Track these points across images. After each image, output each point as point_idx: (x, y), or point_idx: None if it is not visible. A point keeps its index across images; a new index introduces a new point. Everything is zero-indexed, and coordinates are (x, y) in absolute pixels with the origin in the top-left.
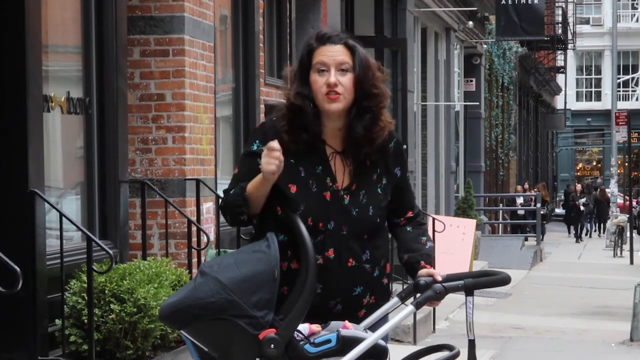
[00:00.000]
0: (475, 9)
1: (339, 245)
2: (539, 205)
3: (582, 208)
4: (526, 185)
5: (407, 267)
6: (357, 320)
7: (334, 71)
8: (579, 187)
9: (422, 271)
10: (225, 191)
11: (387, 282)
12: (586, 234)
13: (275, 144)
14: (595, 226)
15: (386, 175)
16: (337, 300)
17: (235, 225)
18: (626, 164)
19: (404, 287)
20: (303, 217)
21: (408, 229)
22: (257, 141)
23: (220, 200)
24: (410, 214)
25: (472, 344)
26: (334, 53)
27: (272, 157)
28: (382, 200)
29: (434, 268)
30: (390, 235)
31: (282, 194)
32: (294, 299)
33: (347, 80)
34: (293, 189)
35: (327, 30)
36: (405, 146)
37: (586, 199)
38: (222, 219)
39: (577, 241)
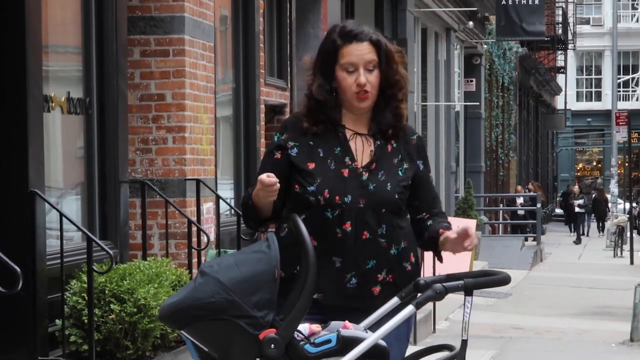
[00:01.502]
0: (475, 9)
1: (355, 218)
2: (539, 205)
3: (577, 209)
4: (530, 186)
5: (429, 243)
6: (372, 298)
7: (363, 70)
8: (576, 188)
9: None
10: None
11: (410, 269)
12: (583, 234)
13: (266, 179)
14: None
15: (408, 162)
16: (352, 273)
17: (250, 228)
18: (626, 164)
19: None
20: (319, 190)
21: (429, 222)
22: (278, 133)
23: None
24: (433, 210)
25: (464, 344)
26: (362, 52)
27: (268, 191)
28: (402, 180)
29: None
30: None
31: (300, 171)
32: (294, 298)
33: (374, 77)
34: (311, 165)
35: (351, 25)
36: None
37: (584, 200)
38: (222, 219)
39: (576, 242)
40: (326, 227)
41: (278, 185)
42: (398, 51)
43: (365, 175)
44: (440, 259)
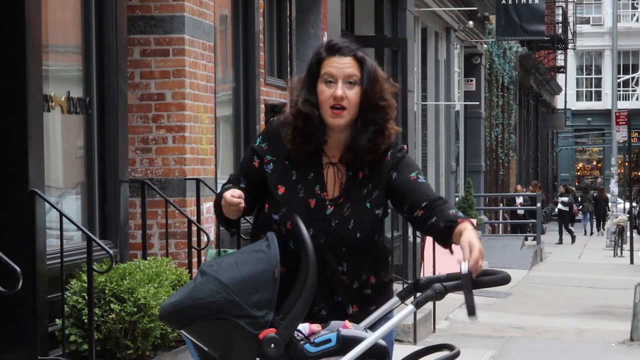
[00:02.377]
0: (475, 8)
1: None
2: (539, 204)
3: (560, 207)
4: (535, 183)
5: (442, 235)
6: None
7: (341, 84)
8: (562, 189)
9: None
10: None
11: (371, 292)
12: (584, 234)
13: (229, 198)
14: (596, 226)
15: (378, 189)
16: (321, 305)
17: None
18: (626, 164)
19: (404, 286)
20: (282, 220)
21: (434, 219)
22: (260, 137)
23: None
24: (425, 204)
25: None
26: (343, 65)
27: (231, 210)
28: (368, 215)
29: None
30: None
31: (270, 194)
32: (294, 299)
33: (353, 94)
34: (281, 190)
35: (338, 40)
36: (405, 146)
37: (568, 198)
38: None
39: (557, 243)
40: (290, 257)
41: (242, 206)
42: (387, 77)
43: (329, 210)
44: (451, 251)
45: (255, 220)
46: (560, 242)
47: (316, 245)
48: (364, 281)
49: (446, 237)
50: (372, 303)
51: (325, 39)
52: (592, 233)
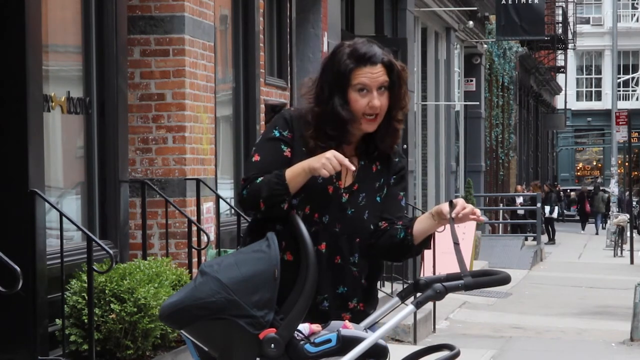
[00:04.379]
0: (475, 8)
1: (329, 241)
2: (539, 205)
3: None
4: (535, 184)
5: (401, 245)
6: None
7: (376, 93)
8: (545, 188)
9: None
10: (247, 179)
11: (376, 293)
12: (596, 234)
13: (349, 164)
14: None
15: (387, 186)
16: (324, 296)
17: (267, 214)
18: (626, 164)
19: (404, 286)
20: (301, 205)
21: (388, 228)
22: (278, 127)
23: (242, 190)
24: (393, 220)
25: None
26: (376, 75)
27: (333, 164)
28: (378, 209)
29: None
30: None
31: None
32: (294, 299)
33: (385, 99)
34: None
35: (363, 47)
36: (405, 146)
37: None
38: (222, 218)
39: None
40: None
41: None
42: (404, 69)
43: (345, 197)
44: (428, 247)
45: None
46: (552, 240)
47: (331, 233)
48: (371, 278)
49: (406, 235)
50: (375, 304)
51: (325, 39)
52: (597, 233)
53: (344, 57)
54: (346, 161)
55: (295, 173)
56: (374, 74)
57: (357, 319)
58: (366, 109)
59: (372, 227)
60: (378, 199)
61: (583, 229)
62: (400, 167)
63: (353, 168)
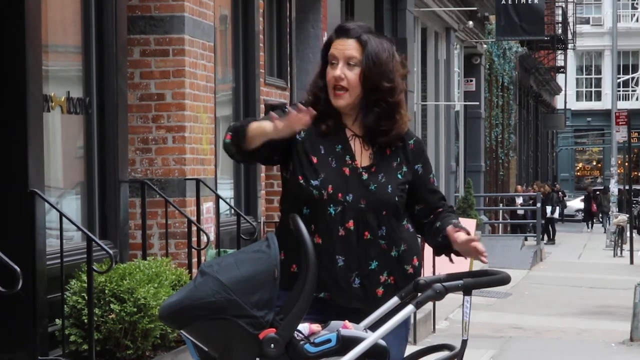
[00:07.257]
0: (475, 8)
1: (357, 218)
2: (538, 205)
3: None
4: (535, 186)
5: (442, 244)
6: (376, 301)
7: (342, 65)
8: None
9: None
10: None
11: (412, 271)
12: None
13: (304, 108)
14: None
15: (406, 165)
16: (356, 273)
17: (242, 158)
18: (626, 164)
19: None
20: (323, 185)
21: (438, 224)
22: (287, 108)
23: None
24: (438, 211)
25: (464, 344)
26: (344, 47)
27: (297, 122)
28: (401, 184)
29: (461, 232)
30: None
31: (303, 163)
32: (294, 298)
33: (353, 75)
34: (314, 160)
35: (351, 23)
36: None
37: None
38: (222, 218)
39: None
40: (330, 223)
41: (308, 119)
42: (401, 61)
43: (365, 176)
44: (451, 259)
45: (283, 197)
46: (552, 240)
47: (357, 210)
48: (402, 252)
49: (446, 244)
50: (408, 279)
51: (325, 39)
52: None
53: (331, 32)
54: (295, 112)
55: (257, 128)
56: (342, 46)
57: (389, 293)
58: (332, 80)
59: (396, 198)
60: (399, 175)
61: (590, 227)
62: (420, 151)
63: (307, 114)
